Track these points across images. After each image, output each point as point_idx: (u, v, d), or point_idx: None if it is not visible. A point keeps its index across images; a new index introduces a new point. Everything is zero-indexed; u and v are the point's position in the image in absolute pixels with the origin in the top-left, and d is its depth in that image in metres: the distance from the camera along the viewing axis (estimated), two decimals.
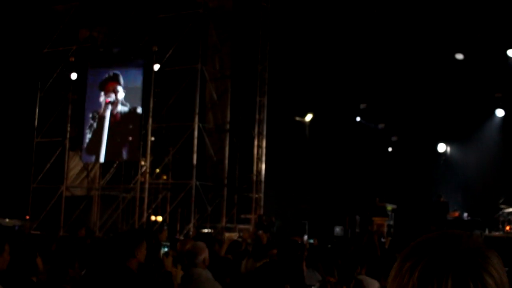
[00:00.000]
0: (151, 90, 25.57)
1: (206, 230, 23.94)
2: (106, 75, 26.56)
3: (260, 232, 15.30)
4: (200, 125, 24.58)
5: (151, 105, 25.59)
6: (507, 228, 22.08)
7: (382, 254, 12.19)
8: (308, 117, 28.47)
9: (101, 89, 26.58)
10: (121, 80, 26.20)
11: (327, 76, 27.14)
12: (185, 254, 6.92)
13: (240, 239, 15.08)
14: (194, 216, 24.26)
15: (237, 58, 26.01)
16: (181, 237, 20.26)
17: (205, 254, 6.76)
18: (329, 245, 16.28)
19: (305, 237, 21.37)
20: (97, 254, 7.00)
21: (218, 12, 25.66)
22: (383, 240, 16.53)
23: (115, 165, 27.75)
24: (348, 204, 25.87)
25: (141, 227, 24.38)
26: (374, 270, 7.81)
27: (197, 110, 24.48)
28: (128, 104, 25.91)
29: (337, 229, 24.17)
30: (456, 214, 24.05)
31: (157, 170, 26.42)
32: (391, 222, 24.50)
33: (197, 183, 24.08)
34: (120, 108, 26.09)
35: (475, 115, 26.36)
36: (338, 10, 24.04)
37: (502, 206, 22.53)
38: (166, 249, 7.99)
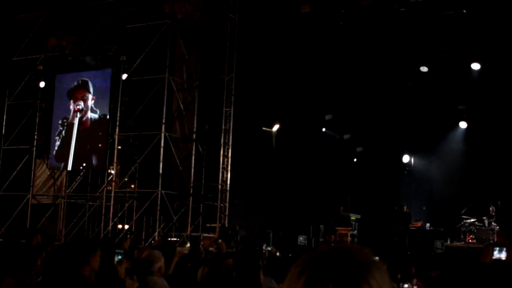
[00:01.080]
0: (118, 99, 25.62)
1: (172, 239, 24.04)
2: (75, 83, 26.53)
3: (220, 240, 15.41)
4: (167, 134, 24.59)
5: (119, 114, 25.63)
6: (469, 238, 22.43)
7: None
8: (275, 128, 28.62)
9: (70, 98, 26.49)
10: (90, 88, 26.17)
11: (293, 87, 27.38)
12: (141, 262, 6.94)
13: (201, 248, 15.24)
14: (159, 224, 24.33)
15: (204, 68, 26.12)
16: (146, 245, 20.34)
17: (161, 263, 6.77)
18: (290, 254, 16.50)
19: (264, 245, 21.51)
20: (53, 261, 7.06)
21: (186, 23, 25.72)
22: None
23: (82, 173, 27.67)
24: (312, 214, 26.06)
25: (106, 235, 24.38)
26: None
27: (164, 120, 24.51)
28: (98, 111, 25.89)
29: (301, 238, 24.27)
30: (419, 224, 24.23)
31: (125, 179, 26.37)
32: (355, 232, 24.73)
33: (163, 191, 24.05)
34: (90, 115, 26.05)
35: (438, 127, 26.69)
36: (304, 22, 24.24)
37: (464, 216, 22.86)
38: (120, 257, 8.08)
